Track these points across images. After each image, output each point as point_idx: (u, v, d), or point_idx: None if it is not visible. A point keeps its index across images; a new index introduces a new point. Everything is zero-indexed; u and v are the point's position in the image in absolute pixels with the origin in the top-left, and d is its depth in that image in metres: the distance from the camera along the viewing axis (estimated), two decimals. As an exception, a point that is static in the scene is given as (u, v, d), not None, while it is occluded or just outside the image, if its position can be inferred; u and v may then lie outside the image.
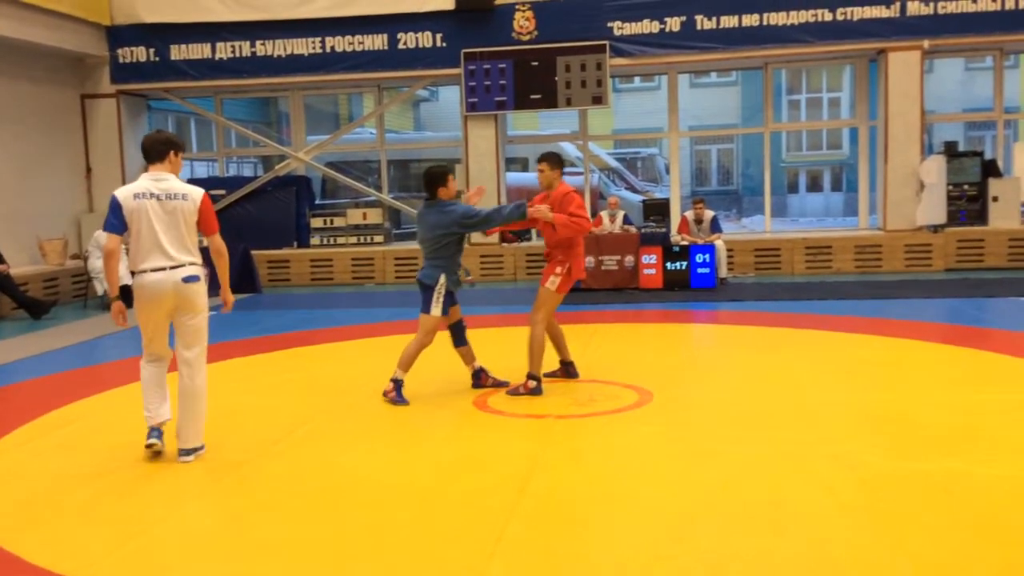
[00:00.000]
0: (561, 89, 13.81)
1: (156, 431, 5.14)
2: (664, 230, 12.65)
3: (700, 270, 11.71)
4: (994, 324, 8.86)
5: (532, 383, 6.37)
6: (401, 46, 14.19)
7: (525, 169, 18.29)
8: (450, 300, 6.39)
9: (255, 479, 4.81)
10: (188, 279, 5.12)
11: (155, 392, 5.19)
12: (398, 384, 6.30)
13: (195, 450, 5.10)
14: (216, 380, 7.12)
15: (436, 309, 6.29)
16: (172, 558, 3.80)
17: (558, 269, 6.43)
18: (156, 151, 5.14)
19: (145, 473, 4.92)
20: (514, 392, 6.41)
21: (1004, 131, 14.76)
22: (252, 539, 3.97)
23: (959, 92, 23.38)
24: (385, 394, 6.31)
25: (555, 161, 6.61)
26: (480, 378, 6.65)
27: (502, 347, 7.83)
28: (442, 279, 6.30)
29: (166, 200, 5.07)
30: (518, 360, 6.62)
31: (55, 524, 4.20)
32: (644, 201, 14.44)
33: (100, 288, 11.99)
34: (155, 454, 5.11)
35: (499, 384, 6.63)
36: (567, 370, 6.84)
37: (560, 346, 6.79)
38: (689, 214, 12.63)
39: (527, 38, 13.90)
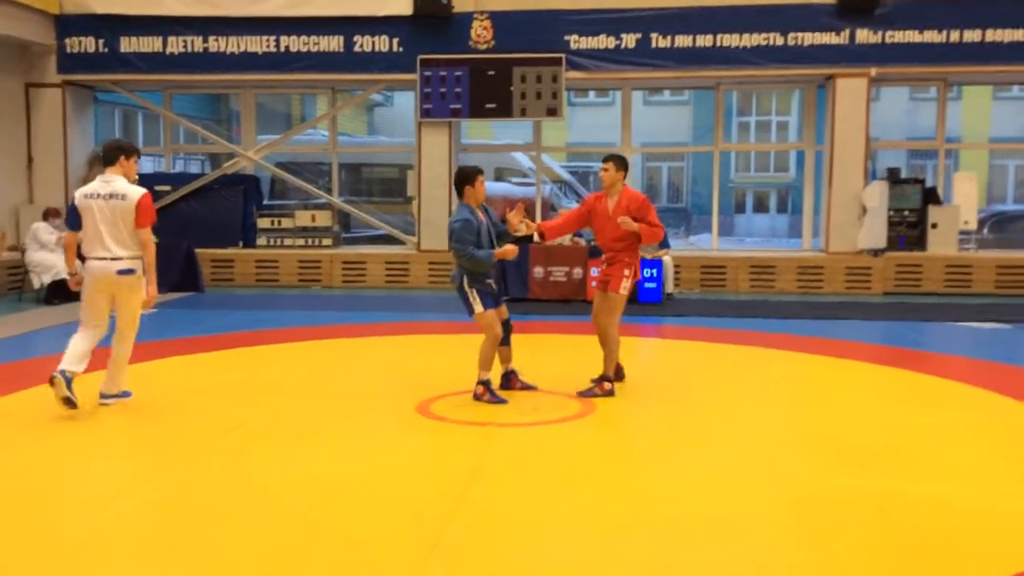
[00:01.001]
0: (516, 99, 13.84)
1: (63, 373, 5.78)
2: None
3: (647, 284, 11.80)
4: (930, 347, 9.06)
5: (608, 385, 6.52)
6: (357, 49, 14.11)
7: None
8: (490, 296, 6.33)
9: (189, 478, 4.72)
10: (122, 271, 5.93)
11: (78, 347, 5.93)
12: (487, 384, 6.29)
13: (113, 396, 6.09)
14: (154, 378, 7.02)
15: (477, 306, 6.27)
16: (101, 556, 3.70)
17: (626, 272, 6.55)
18: (108, 156, 6.10)
19: (73, 467, 4.80)
20: (589, 394, 6.49)
21: (945, 160, 15.14)
22: (179, 538, 3.89)
23: (903, 120, 23.97)
24: (478, 397, 6.28)
25: (621, 163, 6.67)
26: (510, 380, 6.66)
27: (459, 355, 7.79)
28: (465, 280, 6.28)
29: (109, 200, 5.91)
30: (464, 367, 6.60)
31: (-22, 521, 4.07)
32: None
33: (37, 281, 11.70)
34: (63, 399, 5.74)
35: (527, 387, 6.67)
36: (615, 373, 6.86)
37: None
38: (638, 229, 12.71)
39: (484, 47, 13.92)
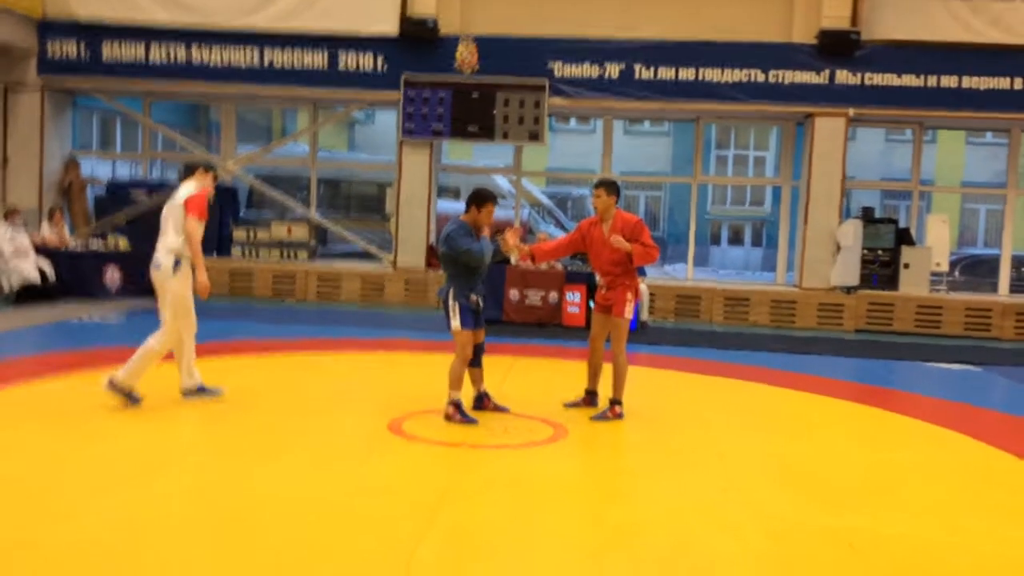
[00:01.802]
0: (499, 123, 13.90)
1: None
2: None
3: (622, 312, 11.81)
4: (900, 386, 9.14)
5: (619, 408, 6.56)
6: (341, 66, 14.11)
7: (457, 198, 18.30)
8: (471, 314, 6.29)
9: (157, 492, 4.63)
10: (153, 265, 6.48)
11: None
12: (457, 404, 6.22)
13: (115, 386, 6.14)
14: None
15: (455, 322, 6.24)
16: (64, 569, 3.62)
17: (629, 295, 6.61)
18: (188, 169, 6.78)
19: (43, 478, 4.70)
20: (602, 417, 6.54)
21: (919, 202, 15.37)
22: (148, 555, 3.81)
23: (878, 161, 24.33)
24: (448, 417, 6.21)
25: (612, 188, 6.69)
26: (482, 401, 6.63)
27: (432, 373, 7.74)
28: (451, 293, 6.26)
29: (169, 204, 6.52)
30: (436, 386, 6.57)
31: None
32: (571, 240, 14.54)
33: (6, 284, 11.53)
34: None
35: (499, 409, 6.63)
36: (590, 399, 6.94)
37: (595, 374, 6.94)
38: (615, 256, 12.75)
39: (468, 70, 13.97)
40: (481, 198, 6.39)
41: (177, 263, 6.39)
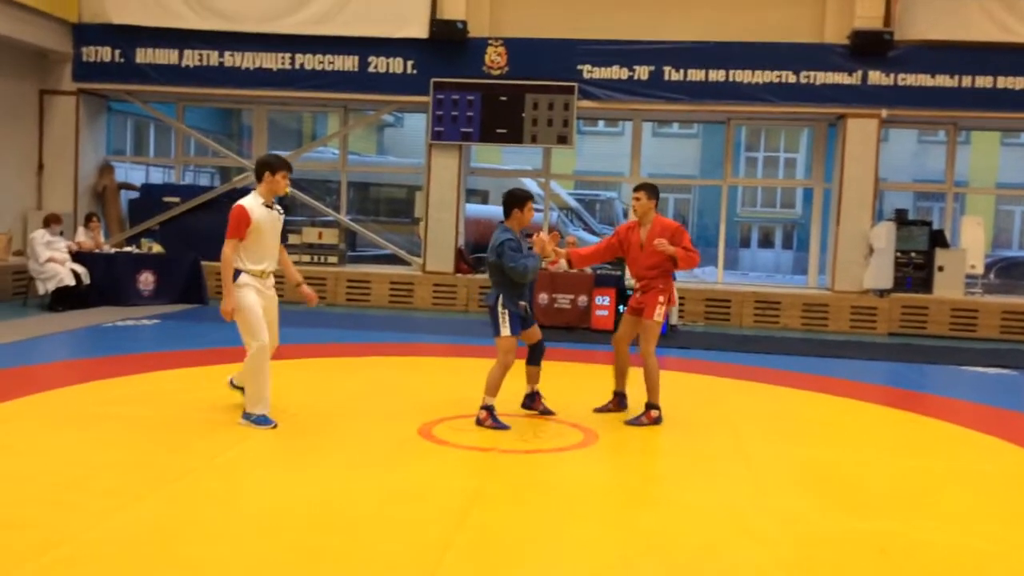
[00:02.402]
0: (528, 126, 13.90)
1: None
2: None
3: (651, 316, 11.76)
4: (934, 390, 9.02)
5: (655, 413, 6.53)
6: (371, 70, 14.18)
7: (485, 201, 18.33)
8: (519, 321, 6.33)
9: (187, 496, 4.67)
10: None
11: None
12: (490, 409, 6.25)
13: (246, 414, 6.06)
14: (154, 391, 6.99)
15: (504, 329, 6.26)
16: (96, 569, 3.66)
17: (660, 299, 6.59)
18: (256, 172, 6.18)
19: (74, 481, 4.76)
20: (636, 422, 6.51)
21: (953, 203, 15.18)
22: (178, 558, 3.85)
23: (911, 163, 24.05)
24: (480, 422, 6.24)
25: (652, 191, 6.71)
26: (533, 400, 6.71)
27: (462, 378, 7.75)
28: (500, 300, 6.28)
29: None
30: (474, 390, 6.57)
31: (-27, 527, 4.04)
32: (600, 243, 14.50)
33: (41, 288, 11.70)
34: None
35: (547, 412, 6.67)
36: (620, 401, 6.93)
37: (622, 375, 6.93)
38: (644, 259, 12.70)
39: (497, 73, 13.99)
40: (520, 199, 6.39)
41: (237, 274, 6.06)
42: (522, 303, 6.38)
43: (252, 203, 6.02)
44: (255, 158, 15.29)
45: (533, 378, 6.68)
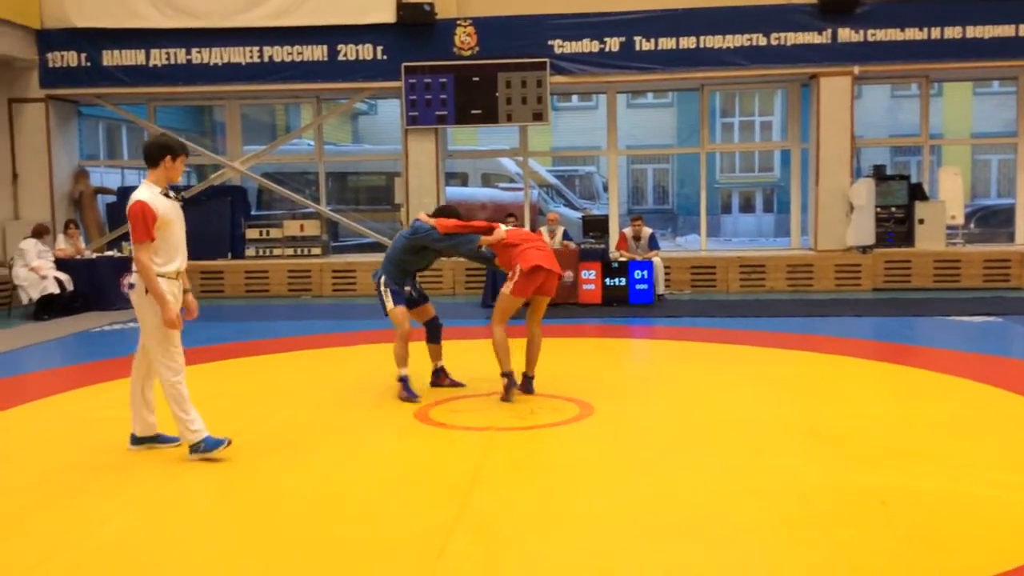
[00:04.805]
0: (502, 105, 13.86)
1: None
2: (603, 246, 12.75)
3: (638, 286, 11.83)
4: (922, 342, 9.10)
5: (504, 380, 6.46)
6: (341, 58, 14.09)
7: (465, 184, 18.29)
8: (402, 296, 6.64)
9: (190, 491, 4.68)
10: (128, 286, 5.42)
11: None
12: (403, 380, 6.50)
13: (142, 440, 5.38)
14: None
15: (389, 303, 6.58)
16: (102, 572, 3.66)
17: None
18: (150, 156, 5.15)
19: (74, 485, 4.75)
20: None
21: (930, 156, 15.25)
22: (186, 554, 3.86)
23: (885, 118, 24.11)
24: (399, 396, 6.48)
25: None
26: (439, 377, 6.90)
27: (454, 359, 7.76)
28: (383, 280, 6.65)
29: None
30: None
31: (-23, 539, 4.03)
32: (583, 217, 14.52)
33: (25, 297, 11.62)
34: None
35: (455, 384, 6.84)
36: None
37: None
38: (628, 231, 12.75)
39: (468, 53, 13.93)
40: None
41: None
42: (407, 288, 6.72)
43: (150, 195, 5.01)
44: (230, 154, 15.22)
45: (436, 355, 6.93)
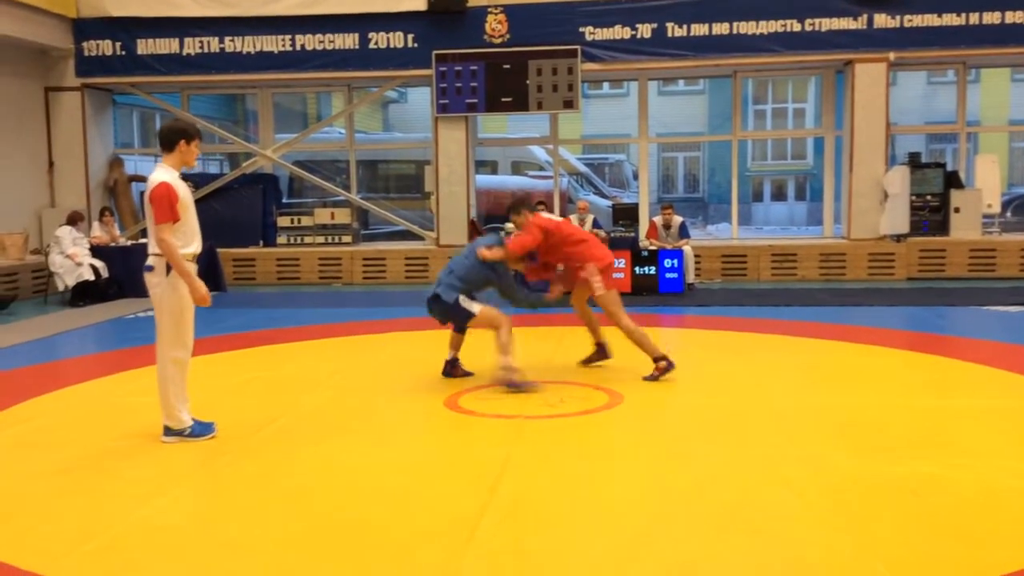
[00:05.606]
0: (532, 92, 13.82)
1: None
2: (633, 235, 12.70)
3: (668, 275, 11.77)
4: (957, 332, 8.99)
5: (662, 363, 6.70)
6: (372, 46, 14.12)
7: (495, 172, 18.28)
8: (475, 298, 6.71)
9: (222, 477, 4.75)
10: (144, 268, 5.28)
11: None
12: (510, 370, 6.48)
13: (173, 433, 5.26)
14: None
15: (474, 308, 6.55)
16: (136, 555, 3.73)
17: (585, 275, 6.94)
18: (166, 140, 5.22)
19: (109, 470, 4.83)
20: (651, 377, 6.67)
21: (966, 143, 15.02)
22: (219, 537, 3.91)
23: (920, 105, 23.76)
24: (507, 384, 6.42)
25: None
26: (453, 367, 6.92)
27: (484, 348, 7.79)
28: (459, 300, 6.56)
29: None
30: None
31: (17, 521, 4.11)
32: (613, 205, 14.48)
33: (60, 284, 11.79)
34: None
35: (466, 374, 6.88)
36: (601, 351, 7.29)
37: (593, 328, 7.28)
38: (658, 219, 12.69)
39: (499, 41, 13.90)
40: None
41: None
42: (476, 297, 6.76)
43: (171, 177, 5.12)
44: (262, 142, 15.32)
45: (457, 344, 6.93)
